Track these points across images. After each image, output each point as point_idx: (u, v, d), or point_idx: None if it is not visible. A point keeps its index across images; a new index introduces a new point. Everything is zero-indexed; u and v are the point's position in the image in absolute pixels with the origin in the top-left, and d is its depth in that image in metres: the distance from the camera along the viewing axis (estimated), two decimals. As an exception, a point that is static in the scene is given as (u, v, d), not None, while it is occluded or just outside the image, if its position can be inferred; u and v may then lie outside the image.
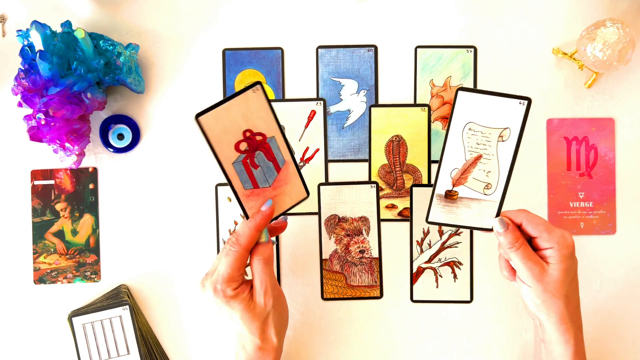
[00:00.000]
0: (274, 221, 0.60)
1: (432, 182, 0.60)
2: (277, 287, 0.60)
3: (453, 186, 0.60)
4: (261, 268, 0.58)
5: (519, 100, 0.57)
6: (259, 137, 0.56)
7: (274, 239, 0.60)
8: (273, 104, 0.70)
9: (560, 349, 0.58)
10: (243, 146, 0.55)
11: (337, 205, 0.70)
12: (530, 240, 0.59)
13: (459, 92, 0.58)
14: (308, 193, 0.61)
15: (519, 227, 0.58)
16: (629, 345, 0.70)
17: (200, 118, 0.53)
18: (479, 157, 0.59)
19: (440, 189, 0.60)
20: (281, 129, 0.58)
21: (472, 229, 0.60)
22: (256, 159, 0.57)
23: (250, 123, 0.56)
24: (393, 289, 0.70)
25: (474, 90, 0.58)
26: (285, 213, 0.60)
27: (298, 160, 0.70)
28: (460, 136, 0.58)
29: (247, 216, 0.57)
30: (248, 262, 0.59)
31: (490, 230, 0.60)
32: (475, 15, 0.70)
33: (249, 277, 0.60)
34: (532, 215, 0.58)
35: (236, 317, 0.58)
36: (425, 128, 0.70)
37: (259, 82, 0.55)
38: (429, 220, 0.61)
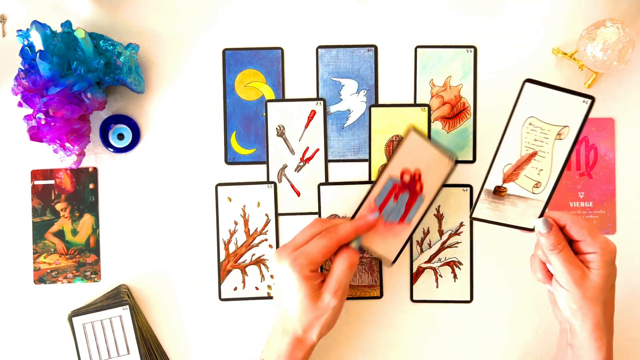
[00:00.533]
0: (355, 246, 0.62)
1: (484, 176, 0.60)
2: (346, 294, 0.61)
3: (503, 182, 0.58)
4: (343, 269, 0.59)
5: (582, 98, 0.56)
6: (418, 186, 0.61)
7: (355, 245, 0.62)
8: (273, 104, 0.70)
9: (591, 356, 0.56)
10: (406, 177, 0.61)
11: (337, 205, 0.70)
12: (571, 243, 0.57)
13: (527, 83, 0.56)
14: (393, 262, 0.65)
15: (561, 229, 0.57)
16: (630, 345, 0.70)
17: (413, 131, 0.59)
18: (534, 154, 0.58)
19: (490, 184, 0.59)
20: (432, 202, 0.63)
21: (514, 227, 0.59)
22: (401, 196, 0.61)
23: (425, 172, 0.61)
24: (393, 289, 0.70)
25: (542, 83, 0.56)
26: (363, 250, 0.65)
27: (298, 160, 0.70)
28: (519, 130, 0.57)
29: (353, 217, 0.62)
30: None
31: (532, 230, 0.58)
32: (475, 15, 0.70)
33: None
34: (576, 217, 0.57)
35: (296, 299, 0.58)
36: (425, 128, 0.70)
37: (457, 161, 0.63)
38: (474, 216, 0.60)
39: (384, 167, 0.60)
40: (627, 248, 0.70)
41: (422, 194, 0.62)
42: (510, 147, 0.58)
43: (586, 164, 0.70)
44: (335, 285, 0.59)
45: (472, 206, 0.60)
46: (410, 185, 0.61)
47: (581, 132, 0.57)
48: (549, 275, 0.59)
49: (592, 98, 0.56)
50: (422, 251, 0.70)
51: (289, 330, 0.60)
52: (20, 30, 0.63)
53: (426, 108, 0.70)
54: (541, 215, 0.58)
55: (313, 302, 0.58)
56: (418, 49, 0.70)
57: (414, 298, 0.70)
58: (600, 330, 0.56)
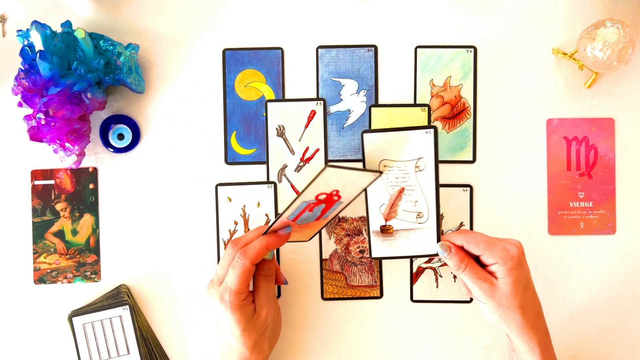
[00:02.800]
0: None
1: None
2: (276, 303, 0.63)
3: (386, 221, 0.62)
4: (266, 284, 0.61)
5: (425, 130, 0.58)
6: (335, 198, 0.60)
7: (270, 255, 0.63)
8: (273, 104, 0.70)
9: (529, 357, 0.58)
10: (321, 197, 0.58)
11: (337, 205, 0.70)
12: (477, 259, 0.59)
13: (364, 134, 0.59)
14: (309, 239, 0.66)
15: (462, 247, 0.59)
16: (630, 345, 0.70)
17: (328, 167, 0.54)
18: (402, 190, 0.60)
19: (375, 225, 0.62)
20: (348, 204, 0.62)
21: (417, 257, 0.62)
22: (315, 208, 0.60)
23: (343, 188, 0.59)
24: (393, 289, 0.70)
25: (378, 130, 0.59)
26: (292, 241, 0.64)
27: (298, 160, 0.70)
28: (375, 168, 0.59)
29: (266, 231, 0.60)
30: None
31: (436, 255, 0.61)
32: (475, 15, 0.70)
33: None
34: (471, 234, 0.59)
35: (238, 330, 0.59)
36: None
37: (381, 172, 0.60)
38: (373, 256, 0.63)
39: (298, 196, 0.56)
40: (627, 248, 0.70)
41: (340, 200, 0.61)
42: (377, 190, 0.61)
43: (586, 164, 0.70)
44: (265, 298, 0.61)
45: (369, 248, 0.62)
46: (326, 200, 0.59)
47: (438, 159, 0.59)
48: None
49: (434, 127, 0.58)
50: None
51: (236, 356, 0.60)
52: (20, 30, 0.63)
53: (426, 108, 0.70)
54: (438, 240, 0.61)
55: (253, 324, 0.60)
56: (418, 49, 0.70)
57: (414, 298, 0.70)
58: (527, 333, 0.57)
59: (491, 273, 0.58)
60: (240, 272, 0.58)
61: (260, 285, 0.61)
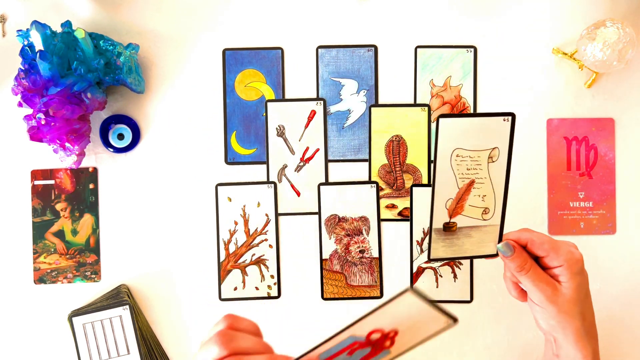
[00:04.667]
0: None
1: (429, 216, 0.56)
2: None
3: (450, 217, 0.56)
4: None
5: (502, 117, 0.54)
6: (387, 343, 0.45)
7: None
8: (273, 104, 0.70)
9: None
10: (374, 336, 0.44)
11: (337, 205, 0.70)
12: (536, 259, 0.56)
13: (440, 119, 0.53)
14: None
15: (524, 247, 0.55)
16: (630, 346, 0.70)
17: (409, 292, 0.40)
18: (472, 183, 0.56)
19: (438, 222, 0.56)
20: (396, 357, 0.45)
21: (476, 257, 0.58)
22: (358, 352, 0.45)
23: (405, 329, 0.44)
24: (393, 289, 0.70)
25: (455, 115, 0.55)
26: None
27: (298, 160, 0.70)
28: (449, 165, 0.54)
29: None
30: None
31: (496, 255, 0.57)
32: (475, 15, 0.70)
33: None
34: (536, 234, 0.55)
35: None
36: (425, 128, 0.70)
37: (455, 319, 0.42)
38: (432, 257, 0.57)
39: (349, 325, 0.42)
40: (627, 248, 0.70)
41: (389, 349, 0.45)
42: (446, 183, 0.55)
43: (586, 164, 0.70)
44: None
45: (428, 248, 0.57)
46: (377, 343, 0.44)
47: (512, 149, 0.55)
48: (524, 293, 0.58)
49: (512, 115, 0.54)
50: (422, 251, 0.70)
51: None
52: (20, 30, 0.63)
53: (426, 108, 0.70)
54: (500, 239, 0.57)
55: None
56: (418, 49, 0.70)
57: (414, 298, 0.70)
58: (583, 340, 0.55)
59: (552, 276, 0.54)
60: None
61: None
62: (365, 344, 0.45)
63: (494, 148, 0.55)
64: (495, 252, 0.57)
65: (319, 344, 0.45)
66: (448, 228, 0.57)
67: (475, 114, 0.55)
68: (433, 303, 0.41)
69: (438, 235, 0.57)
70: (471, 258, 0.57)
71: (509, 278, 0.58)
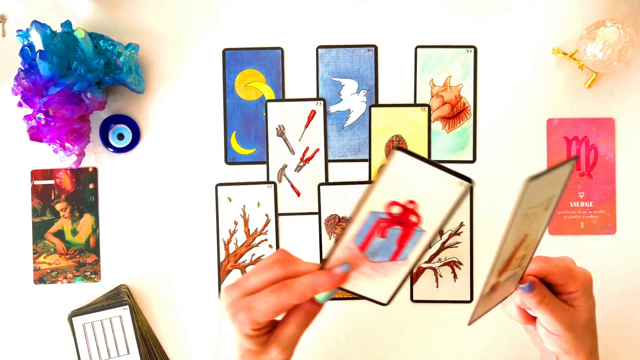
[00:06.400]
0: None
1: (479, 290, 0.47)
2: (293, 349, 0.50)
3: (500, 276, 0.47)
4: (299, 324, 0.48)
5: (570, 164, 0.45)
6: (413, 218, 0.45)
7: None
8: (273, 104, 0.70)
9: None
10: (395, 210, 0.44)
11: (337, 205, 0.70)
12: (548, 284, 0.52)
13: (529, 183, 0.41)
14: (388, 303, 0.49)
15: (542, 279, 0.51)
16: (630, 346, 0.70)
17: (398, 153, 0.42)
18: (525, 237, 0.47)
19: (488, 287, 0.47)
20: (438, 233, 0.47)
21: (501, 301, 0.52)
22: (389, 232, 0.45)
23: (422, 200, 0.44)
24: (393, 289, 0.70)
25: (542, 173, 0.42)
26: (351, 293, 0.48)
27: (298, 160, 0.70)
28: (519, 227, 0.45)
29: (322, 262, 0.48)
30: None
31: (515, 289, 0.52)
32: (475, 15, 0.70)
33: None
34: (553, 263, 0.51)
35: (235, 350, 0.49)
36: (425, 128, 0.70)
37: (471, 182, 0.43)
38: (471, 322, 0.49)
39: (362, 201, 0.43)
40: (627, 248, 0.70)
41: (420, 226, 0.45)
42: (509, 247, 0.46)
43: (586, 164, 0.70)
44: (285, 340, 0.48)
45: (471, 316, 0.49)
46: (402, 219, 0.45)
47: (562, 194, 0.47)
48: (530, 318, 0.55)
49: (576, 157, 0.46)
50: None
51: None
52: (20, 30, 0.63)
53: (426, 108, 0.70)
54: (522, 278, 0.50)
55: (256, 357, 0.48)
56: (418, 49, 0.70)
57: (414, 298, 0.70)
58: (592, 357, 0.54)
59: (566, 300, 0.52)
60: (275, 304, 0.46)
61: (289, 321, 0.48)
62: (391, 222, 0.45)
63: (552, 197, 0.47)
64: (514, 291, 0.52)
65: (344, 230, 0.45)
66: (493, 289, 0.49)
67: (554, 167, 0.44)
68: (428, 160, 0.42)
69: (483, 299, 0.48)
70: (497, 303, 0.52)
71: (515, 305, 0.55)
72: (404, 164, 0.42)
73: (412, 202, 0.44)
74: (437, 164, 0.42)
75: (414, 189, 0.44)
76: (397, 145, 0.44)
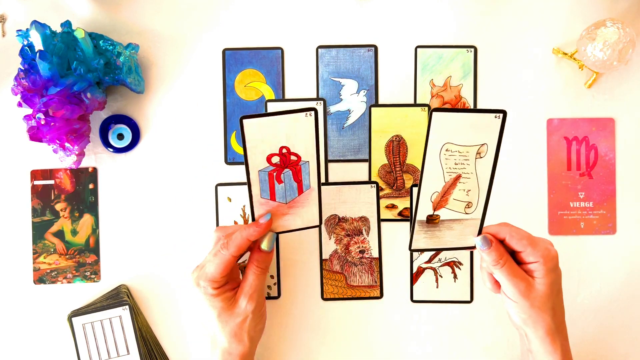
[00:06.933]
0: (281, 233, 0.61)
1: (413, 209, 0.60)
2: (262, 296, 0.61)
3: (434, 210, 0.58)
4: (255, 275, 0.59)
5: (494, 115, 0.55)
6: (293, 157, 0.57)
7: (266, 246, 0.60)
8: (273, 104, 0.70)
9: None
10: (275, 159, 0.57)
11: (337, 205, 0.70)
12: (513, 253, 0.57)
13: (434, 113, 0.55)
14: (320, 222, 0.61)
15: (501, 241, 0.57)
16: (630, 346, 0.70)
17: (245, 120, 0.54)
18: (458, 177, 0.57)
19: (422, 214, 0.58)
20: (319, 157, 0.59)
21: (455, 249, 0.60)
22: (283, 175, 0.57)
23: (290, 142, 0.56)
24: (393, 289, 0.70)
25: (448, 109, 0.55)
26: (290, 231, 0.61)
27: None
28: (437, 159, 0.56)
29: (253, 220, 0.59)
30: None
31: (473, 248, 0.59)
32: (475, 15, 0.70)
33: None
34: (515, 229, 0.57)
35: (213, 315, 0.59)
36: (425, 128, 0.70)
37: (314, 109, 0.56)
38: (412, 248, 0.60)
39: (247, 166, 0.56)
40: (628, 248, 0.70)
41: (302, 159, 0.58)
42: (433, 176, 0.57)
43: (586, 164, 0.70)
44: (249, 289, 0.59)
45: (410, 239, 0.59)
46: (283, 162, 0.57)
47: (500, 146, 0.56)
48: (498, 285, 0.59)
49: (504, 112, 0.55)
50: (422, 251, 0.70)
51: (218, 344, 0.61)
52: (20, 30, 0.63)
53: (426, 108, 0.70)
54: (479, 232, 0.58)
55: (229, 312, 0.59)
56: (418, 49, 0.70)
57: (414, 298, 0.70)
58: (552, 335, 0.56)
59: (527, 271, 0.56)
60: (219, 261, 0.57)
61: (248, 275, 0.59)
62: (280, 168, 0.57)
63: (482, 144, 0.56)
64: (474, 245, 0.58)
65: (249, 194, 0.57)
66: (431, 220, 0.58)
67: (467, 110, 0.58)
68: (270, 113, 0.55)
69: (420, 227, 0.59)
70: (450, 250, 0.60)
71: (485, 269, 0.60)
72: (255, 125, 0.54)
73: (283, 147, 0.56)
74: (278, 112, 0.55)
75: (278, 138, 0.56)
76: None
